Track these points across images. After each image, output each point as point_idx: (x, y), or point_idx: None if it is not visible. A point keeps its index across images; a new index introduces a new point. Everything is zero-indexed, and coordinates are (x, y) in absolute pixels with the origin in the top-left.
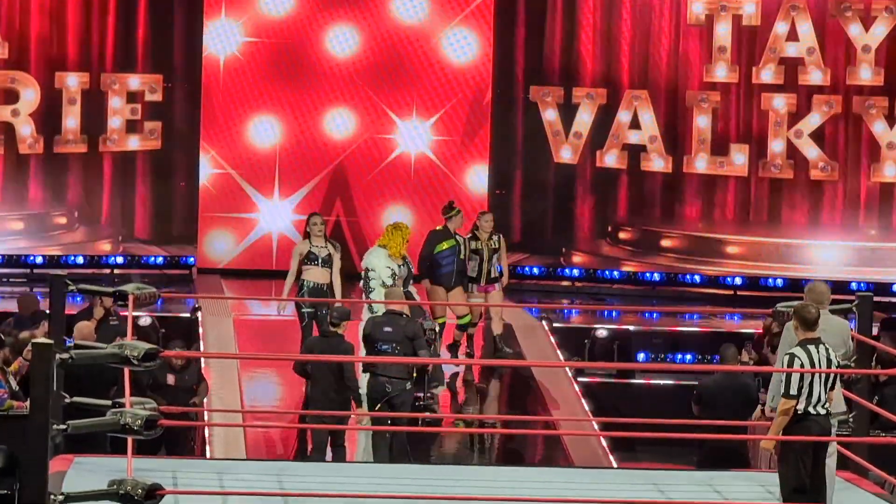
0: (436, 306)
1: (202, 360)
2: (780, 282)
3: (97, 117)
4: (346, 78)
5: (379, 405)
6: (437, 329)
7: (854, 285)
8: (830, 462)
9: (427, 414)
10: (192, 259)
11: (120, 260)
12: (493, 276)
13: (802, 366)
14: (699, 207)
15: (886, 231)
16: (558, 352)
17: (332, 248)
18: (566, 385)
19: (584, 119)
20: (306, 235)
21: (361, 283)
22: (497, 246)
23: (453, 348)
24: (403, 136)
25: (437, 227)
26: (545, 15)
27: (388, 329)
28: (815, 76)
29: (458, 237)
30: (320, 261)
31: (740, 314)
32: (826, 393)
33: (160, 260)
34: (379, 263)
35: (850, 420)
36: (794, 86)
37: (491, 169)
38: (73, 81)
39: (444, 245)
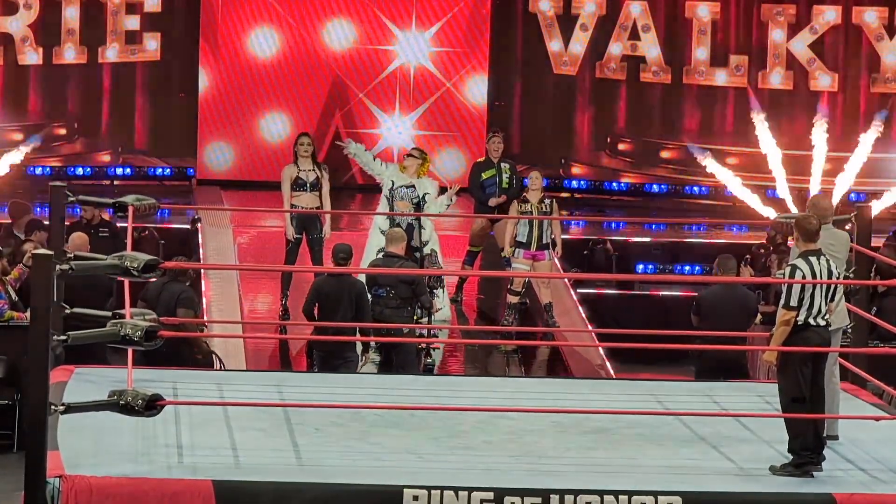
0: (475, 234)
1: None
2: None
3: (96, 28)
4: None
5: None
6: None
7: (853, 196)
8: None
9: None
10: (191, 170)
11: (120, 171)
12: (544, 241)
13: (804, 277)
14: (699, 118)
15: (886, 142)
16: (557, 262)
17: (319, 171)
18: (566, 296)
19: (584, 30)
20: (294, 157)
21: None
22: (549, 210)
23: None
24: (403, 48)
25: (480, 159)
26: None
27: None
28: None
29: (500, 164)
30: (308, 185)
31: (740, 225)
32: (826, 304)
33: (160, 171)
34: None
35: (849, 331)
36: None
37: (490, 80)
38: None
39: (485, 175)
